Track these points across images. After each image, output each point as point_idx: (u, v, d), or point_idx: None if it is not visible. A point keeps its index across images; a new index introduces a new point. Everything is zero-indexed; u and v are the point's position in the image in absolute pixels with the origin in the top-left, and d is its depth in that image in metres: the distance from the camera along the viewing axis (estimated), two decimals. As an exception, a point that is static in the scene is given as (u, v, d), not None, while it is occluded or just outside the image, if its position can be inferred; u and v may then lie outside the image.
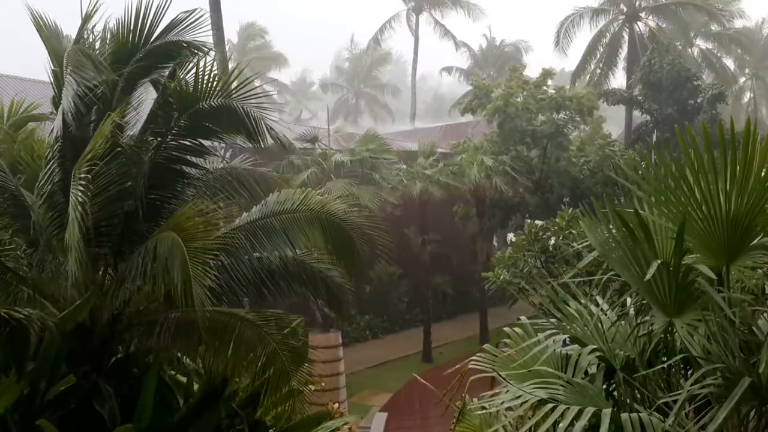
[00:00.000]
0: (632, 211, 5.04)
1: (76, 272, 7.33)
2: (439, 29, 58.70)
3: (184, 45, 8.92)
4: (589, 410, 4.36)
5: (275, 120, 9.07)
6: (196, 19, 8.83)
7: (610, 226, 5.23)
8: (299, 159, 22.97)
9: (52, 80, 8.80)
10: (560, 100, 28.40)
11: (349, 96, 70.51)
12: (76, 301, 8.13)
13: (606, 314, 5.49)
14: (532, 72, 31.65)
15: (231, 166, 10.18)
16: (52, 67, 8.79)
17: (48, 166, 8.58)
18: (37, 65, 8.98)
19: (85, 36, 8.78)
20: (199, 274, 7.21)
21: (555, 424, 4.40)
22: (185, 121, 8.70)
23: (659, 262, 4.76)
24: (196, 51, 8.93)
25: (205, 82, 8.61)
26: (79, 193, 7.29)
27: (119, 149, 8.32)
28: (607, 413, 4.32)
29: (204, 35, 9.10)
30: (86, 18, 8.73)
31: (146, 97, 9.29)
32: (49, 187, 8.57)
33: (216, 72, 8.78)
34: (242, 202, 9.59)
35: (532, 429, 4.60)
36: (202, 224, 7.69)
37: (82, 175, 7.46)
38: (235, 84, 8.80)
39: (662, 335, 5.07)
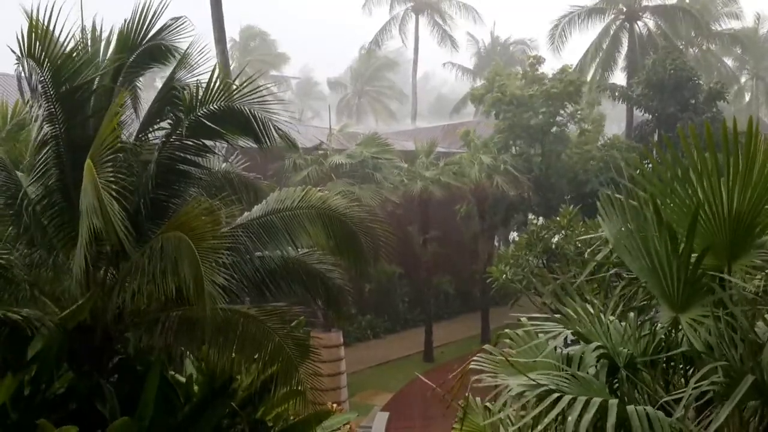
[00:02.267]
0: (645, 202, 5.06)
1: (81, 270, 7.35)
2: (438, 30, 58.58)
3: (173, 48, 9.07)
4: (596, 401, 4.36)
5: (284, 120, 9.09)
6: (182, 25, 9.00)
7: (625, 218, 5.24)
8: (302, 159, 23.02)
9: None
10: (548, 89, 28.50)
11: (352, 96, 70.50)
12: (78, 301, 8.14)
13: (610, 313, 5.49)
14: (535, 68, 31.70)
15: (227, 169, 10.24)
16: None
17: (41, 167, 8.59)
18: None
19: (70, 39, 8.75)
20: (210, 272, 7.24)
21: (559, 414, 4.40)
22: (191, 122, 8.72)
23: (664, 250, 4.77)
24: (192, 55, 9.04)
25: (212, 84, 8.66)
26: (110, 177, 7.33)
27: (119, 145, 8.32)
28: (614, 404, 4.32)
29: (195, 38, 9.27)
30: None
31: (143, 95, 9.34)
32: (43, 188, 8.59)
33: (220, 75, 8.85)
34: (237, 207, 9.65)
35: (537, 419, 4.59)
36: (210, 223, 7.72)
37: (108, 161, 7.48)
38: (240, 85, 8.85)
39: (665, 334, 5.07)
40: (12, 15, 8.93)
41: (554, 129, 29.13)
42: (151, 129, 9.14)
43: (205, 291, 7.12)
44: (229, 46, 31.15)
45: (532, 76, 29.99)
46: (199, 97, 8.68)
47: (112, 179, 7.40)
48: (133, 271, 7.78)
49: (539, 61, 31.54)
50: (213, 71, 8.82)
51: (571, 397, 4.44)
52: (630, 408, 4.39)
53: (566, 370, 4.97)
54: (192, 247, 7.29)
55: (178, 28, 9.00)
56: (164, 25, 8.93)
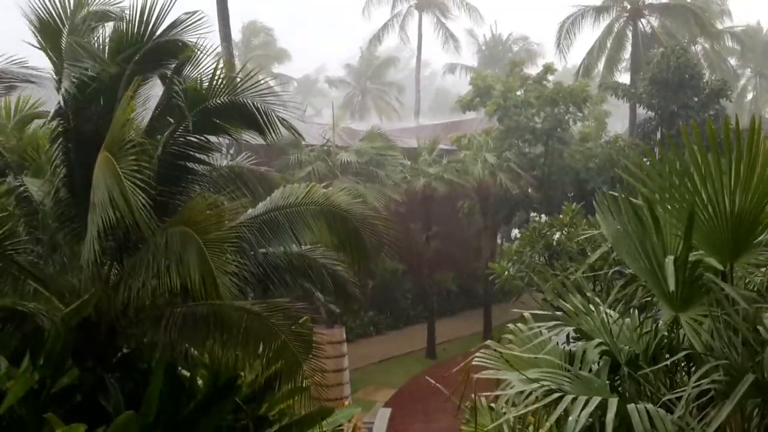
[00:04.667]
0: (642, 204, 5.07)
1: (90, 264, 7.38)
2: (441, 28, 58.56)
3: (185, 44, 8.91)
4: (596, 399, 4.39)
5: (288, 114, 9.09)
6: (198, 20, 8.80)
7: (623, 218, 5.26)
8: (306, 156, 23.07)
9: (53, 74, 8.78)
10: (554, 96, 28.58)
11: (355, 93, 70.47)
12: (82, 296, 8.17)
13: (611, 310, 5.52)
14: (538, 69, 31.86)
15: (235, 164, 10.25)
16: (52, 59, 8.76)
17: (52, 162, 8.62)
18: (44, 61, 9.00)
19: (81, 25, 8.72)
20: (220, 264, 7.27)
21: (562, 413, 4.43)
22: (195, 117, 8.73)
23: (672, 258, 4.79)
24: (198, 51, 8.96)
25: (215, 78, 8.65)
26: (132, 168, 7.34)
27: (134, 139, 8.33)
28: (613, 402, 4.35)
29: (204, 33, 9.03)
30: (78, 6, 8.70)
31: (153, 93, 9.32)
32: (49, 184, 8.62)
33: (223, 69, 8.84)
34: (246, 201, 9.65)
35: (539, 418, 4.63)
36: (215, 216, 7.74)
37: (125, 153, 7.48)
38: (244, 79, 8.84)
39: (666, 332, 5.10)
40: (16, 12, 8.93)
41: (558, 131, 29.19)
42: (157, 124, 9.15)
43: (218, 283, 7.14)
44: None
45: (519, 78, 30.10)
46: (204, 91, 8.69)
47: (136, 169, 7.42)
48: (138, 267, 7.80)
49: (518, 64, 31.84)
50: (216, 65, 8.79)
51: (572, 396, 4.47)
52: (631, 406, 4.42)
53: (568, 369, 5.00)
54: (198, 240, 7.31)
55: (191, 24, 8.88)
56: (176, 20, 8.80)
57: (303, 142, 21.69)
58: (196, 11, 8.81)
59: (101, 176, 7.28)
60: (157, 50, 8.85)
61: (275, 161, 22.05)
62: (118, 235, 8.59)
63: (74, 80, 8.10)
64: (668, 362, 5.03)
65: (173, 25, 8.74)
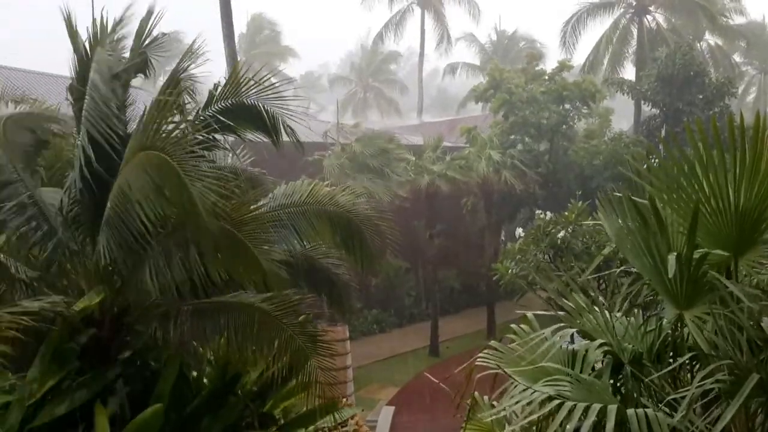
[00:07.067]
0: (646, 201, 5.06)
1: (101, 263, 7.41)
2: (443, 25, 58.54)
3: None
4: (596, 407, 4.38)
5: (293, 116, 9.14)
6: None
7: (626, 216, 5.25)
8: (313, 158, 23.12)
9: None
10: (561, 91, 28.52)
11: (358, 90, 70.44)
12: (87, 294, 8.17)
13: (616, 309, 5.50)
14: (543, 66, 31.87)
15: (238, 164, 10.27)
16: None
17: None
18: (63, 61, 9.12)
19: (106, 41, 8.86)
20: (263, 252, 7.46)
21: (565, 420, 4.42)
22: (204, 117, 8.76)
23: (675, 254, 4.78)
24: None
25: (230, 80, 8.80)
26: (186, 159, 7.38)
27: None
28: (613, 409, 4.34)
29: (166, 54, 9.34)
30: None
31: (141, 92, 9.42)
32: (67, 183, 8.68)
33: (236, 72, 8.96)
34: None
35: (540, 426, 4.62)
36: (243, 207, 7.90)
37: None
38: (253, 83, 8.91)
39: (670, 331, 5.08)
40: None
41: (563, 127, 29.17)
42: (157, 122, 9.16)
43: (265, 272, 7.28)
44: (236, 39, 31.21)
45: (533, 73, 30.06)
46: (215, 93, 8.76)
47: (194, 163, 7.47)
48: (153, 263, 7.81)
49: (536, 57, 31.72)
50: (234, 69, 8.89)
51: (572, 404, 4.46)
52: (630, 411, 4.41)
53: (569, 373, 4.98)
54: (234, 232, 7.38)
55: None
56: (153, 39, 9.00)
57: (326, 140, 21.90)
58: (166, 34, 9.14)
59: (140, 173, 7.28)
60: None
61: (282, 159, 21.99)
62: (130, 231, 8.59)
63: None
64: (672, 362, 5.01)
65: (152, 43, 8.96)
